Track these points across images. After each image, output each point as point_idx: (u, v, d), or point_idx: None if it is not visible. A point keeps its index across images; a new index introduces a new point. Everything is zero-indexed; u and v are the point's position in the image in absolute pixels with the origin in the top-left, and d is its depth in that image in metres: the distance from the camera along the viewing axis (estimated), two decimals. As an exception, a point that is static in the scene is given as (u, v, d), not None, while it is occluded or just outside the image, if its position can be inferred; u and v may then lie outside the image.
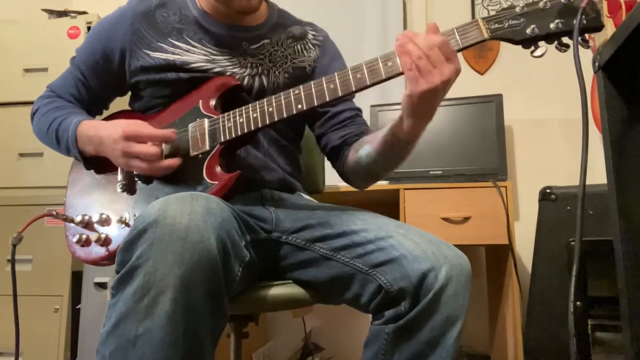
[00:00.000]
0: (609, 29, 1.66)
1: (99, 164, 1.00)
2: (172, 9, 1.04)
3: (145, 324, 0.63)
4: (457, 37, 0.78)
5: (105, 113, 1.14)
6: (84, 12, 2.03)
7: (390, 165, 0.96)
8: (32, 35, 2.01)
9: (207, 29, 1.02)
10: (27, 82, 1.97)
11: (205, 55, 1.00)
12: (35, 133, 1.08)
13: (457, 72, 0.76)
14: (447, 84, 0.75)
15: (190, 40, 1.01)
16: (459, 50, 0.78)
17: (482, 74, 2.23)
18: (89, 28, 1.97)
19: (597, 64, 0.74)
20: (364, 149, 0.96)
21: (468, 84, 2.20)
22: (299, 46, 1.08)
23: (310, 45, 1.10)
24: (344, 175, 1.06)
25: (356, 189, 1.08)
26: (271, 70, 1.03)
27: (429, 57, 0.75)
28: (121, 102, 1.14)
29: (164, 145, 0.93)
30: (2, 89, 1.98)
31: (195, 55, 0.99)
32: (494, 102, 1.88)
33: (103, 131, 0.94)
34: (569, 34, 0.75)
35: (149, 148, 0.89)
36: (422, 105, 0.79)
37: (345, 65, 1.08)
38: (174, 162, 0.90)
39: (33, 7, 2.20)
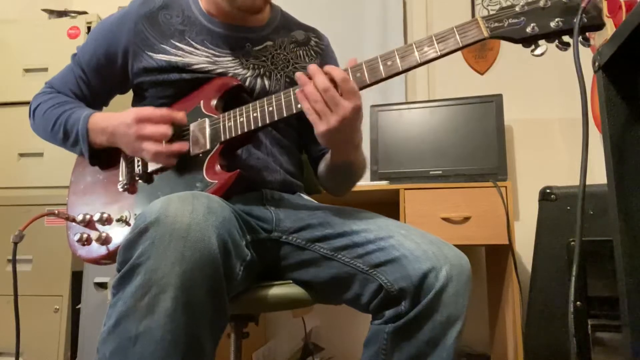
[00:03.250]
0: (609, 29, 1.66)
1: (103, 159, 1.00)
2: (175, 10, 1.04)
3: (145, 322, 0.63)
4: (457, 35, 0.78)
5: (105, 110, 1.14)
6: (84, 12, 2.03)
7: (341, 183, 1.04)
8: (32, 35, 2.01)
9: (209, 30, 1.03)
10: (27, 82, 1.97)
11: (208, 56, 1.00)
12: (35, 129, 1.08)
13: (355, 109, 0.78)
14: (344, 122, 0.78)
15: (192, 42, 1.01)
16: (458, 49, 0.79)
17: (482, 74, 2.23)
18: (89, 28, 1.98)
19: (597, 64, 0.74)
20: (321, 166, 1.05)
21: (468, 84, 2.20)
22: (301, 52, 1.08)
23: (312, 52, 1.10)
24: (320, 184, 1.13)
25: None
26: (273, 73, 1.03)
27: (324, 100, 0.78)
28: (122, 100, 1.14)
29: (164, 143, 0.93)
30: (2, 89, 1.98)
31: (197, 57, 1.00)
32: (494, 102, 1.88)
33: (115, 120, 0.94)
34: (569, 33, 0.75)
35: (160, 128, 0.90)
36: (334, 141, 0.84)
37: None
38: (183, 145, 0.91)
39: (33, 7, 2.21)
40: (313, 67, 0.80)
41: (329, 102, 0.78)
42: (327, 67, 0.79)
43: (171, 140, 0.92)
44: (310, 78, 0.79)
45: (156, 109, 0.93)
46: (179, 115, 0.93)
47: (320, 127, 0.79)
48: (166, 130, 0.91)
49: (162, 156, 0.90)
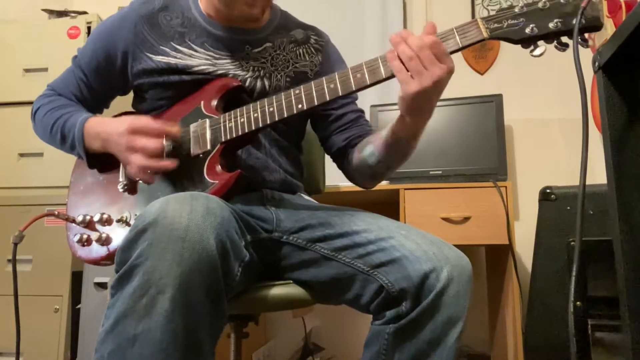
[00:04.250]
0: (609, 29, 1.66)
1: (102, 162, 1.00)
2: (175, 12, 1.04)
3: (144, 323, 0.63)
4: (457, 36, 0.78)
5: (106, 112, 1.14)
6: (84, 12, 2.03)
7: (393, 163, 0.96)
8: (32, 35, 2.01)
9: (209, 32, 1.02)
10: (27, 82, 1.97)
11: (208, 58, 1.00)
12: (36, 131, 1.08)
13: (450, 72, 0.76)
14: (438, 84, 0.76)
15: (192, 44, 1.01)
16: (458, 50, 0.79)
17: (482, 74, 2.23)
18: (89, 28, 1.97)
19: (597, 64, 0.74)
20: (367, 149, 0.97)
21: (468, 84, 2.20)
22: (301, 50, 1.08)
23: (312, 50, 1.10)
24: (350, 176, 1.07)
25: (362, 189, 1.10)
26: (273, 74, 1.03)
27: (420, 58, 0.75)
28: (123, 102, 1.14)
29: (165, 144, 0.93)
30: (2, 89, 1.98)
31: (197, 59, 1.00)
32: (494, 102, 1.88)
33: (110, 127, 0.93)
34: (568, 34, 0.76)
35: (152, 142, 0.89)
36: (417, 106, 0.80)
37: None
38: (171, 164, 0.89)
39: (33, 7, 2.21)
40: (405, 31, 0.78)
41: (425, 61, 0.75)
42: (422, 34, 0.77)
43: (162, 155, 0.90)
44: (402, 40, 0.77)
45: (151, 121, 0.91)
46: (174, 129, 0.91)
47: (412, 86, 0.75)
48: (158, 144, 0.89)
49: (146, 172, 0.89)
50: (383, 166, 0.97)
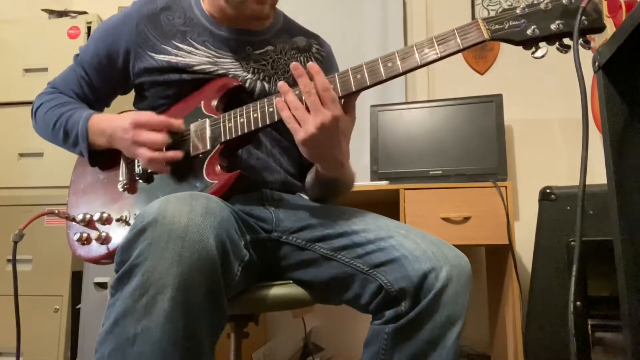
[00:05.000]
0: (609, 29, 1.66)
1: (103, 159, 1.00)
2: (177, 11, 1.04)
3: (143, 323, 0.63)
4: (458, 37, 0.78)
5: (107, 111, 1.14)
6: (84, 12, 2.03)
7: (326, 196, 1.01)
8: (32, 35, 2.01)
9: (211, 31, 1.03)
10: (27, 82, 1.97)
11: (209, 57, 1.00)
12: (37, 129, 1.09)
13: (334, 119, 0.78)
14: (323, 130, 0.77)
15: (194, 43, 1.01)
16: (458, 51, 0.79)
17: (482, 74, 2.23)
18: (89, 28, 1.98)
19: (597, 64, 0.74)
20: (308, 178, 1.01)
21: (468, 84, 2.20)
22: (302, 58, 1.08)
23: (313, 59, 1.10)
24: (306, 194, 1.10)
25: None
26: (273, 78, 1.03)
27: (306, 106, 0.78)
28: (123, 102, 1.14)
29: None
30: (2, 89, 1.98)
31: (198, 57, 1.00)
32: (494, 102, 1.88)
33: (115, 123, 0.95)
34: (570, 35, 0.75)
35: (156, 136, 0.90)
36: (314, 152, 0.82)
37: None
38: (177, 154, 0.91)
39: (33, 7, 2.21)
40: (298, 69, 0.79)
41: (310, 107, 0.78)
42: (312, 70, 0.79)
43: (168, 146, 0.92)
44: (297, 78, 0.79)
45: (154, 115, 0.93)
46: (177, 122, 0.93)
47: (299, 134, 0.79)
48: (162, 138, 0.91)
49: (156, 163, 0.91)
50: (320, 197, 1.02)
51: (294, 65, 0.80)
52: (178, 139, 0.94)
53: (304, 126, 0.78)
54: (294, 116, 0.79)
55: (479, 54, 2.24)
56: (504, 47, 2.22)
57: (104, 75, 1.06)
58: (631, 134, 0.71)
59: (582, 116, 0.67)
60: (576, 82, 0.67)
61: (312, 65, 0.80)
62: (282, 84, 0.81)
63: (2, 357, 1.70)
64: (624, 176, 0.71)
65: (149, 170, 0.95)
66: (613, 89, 0.72)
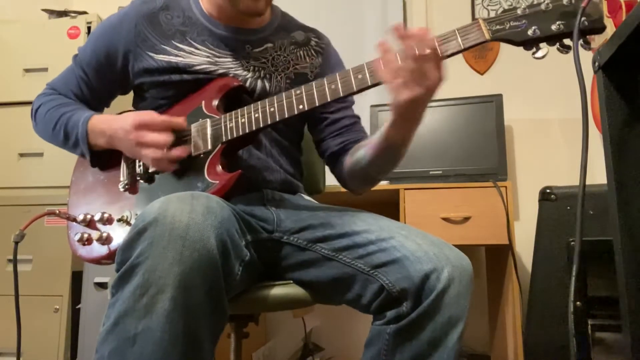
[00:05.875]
0: (609, 29, 1.66)
1: (104, 160, 1.00)
2: (176, 11, 1.04)
3: (144, 322, 0.63)
4: (459, 38, 0.78)
5: (107, 111, 1.14)
6: (84, 12, 2.03)
7: (385, 167, 0.97)
8: (32, 35, 2.01)
9: (210, 30, 1.03)
10: (27, 82, 1.97)
11: (209, 57, 1.00)
12: (37, 130, 1.08)
13: (441, 81, 0.76)
14: (429, 93, 0.76)
15: (193, 43, 1.01)
16: (460, 52, 0.79)
17: (482, 74, 2.23)
18: (89, 28, 1.98)
19: (597, 64, 0.74)
20: (360, 152, 0.97)
21: (468, 84, 2.20)
22: (301, 52, 1.08)
23: (313, 52, 1.10)
24: (342, 180, 1.08)
25: (355, 194, 1.10)
26: (273, 75, 1.03)
27: (412, 68, 0.75)
28: (123, 102, 1.14)
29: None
30: (2, 89, 1.98)
31: (198, 57, 1.00)
32: (494, 102, 1.88)
33: (115, 124, 0.94)
34: (571, 36, 0.75)
35: (160, 136, 0.90)
36: (409, 113, 0.80)
37: None
38: (183, 151, 0.90)
39: (33, 7, 2.20)
40: (401, 30, 0.75)
41: (416, 72, 0.75)
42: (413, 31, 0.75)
43: (171, 145, 0.91)
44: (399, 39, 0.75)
45: (156, 115, 0.92)
46: (179, 121, 0.93)
47: (402, 95, 0.76)
48: (166, 138, 0.90)
49: (162, 163, 0.90)
50: (374, 170, 0.97)
51: (381, 41, 0.77)
52: (180, 138, 0.94)
53: (409, 87, 0.75)
54: (396, 74, 0.76)
55: (479, 54, 2.24)
56: (504, 47, 2.22)
57: (103, 75, 1.06)
58: (631, 134, 0.71)
59: (582, 116, 0.67)
60: (576, 82, 0.67)
61: (401, 30, 0.76)
62: (382, 41, 0.77)
63: (2, 357, 1.70)
64: (624, 176, 0.71)
65: (150, 170, 0.95)
66: (613, 89, 0.72)
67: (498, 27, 0.78)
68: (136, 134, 0.90)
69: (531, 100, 2.15)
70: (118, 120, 0.94)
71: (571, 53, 0.71)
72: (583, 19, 0.72)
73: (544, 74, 2.14)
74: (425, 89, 0.75)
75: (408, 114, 0.81)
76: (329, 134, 1.08)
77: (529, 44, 0.78)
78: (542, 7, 0.76)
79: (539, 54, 0.78)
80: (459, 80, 2.23)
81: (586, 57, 0.80)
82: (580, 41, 0.72)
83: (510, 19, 0.77)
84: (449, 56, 0.78)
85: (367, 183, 1.04)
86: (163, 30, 1.01)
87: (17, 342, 1.02)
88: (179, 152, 0.90)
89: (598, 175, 1.89)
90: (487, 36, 0.78)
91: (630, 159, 0.71)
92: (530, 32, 0.76)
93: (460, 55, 2.25)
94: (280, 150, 1.05)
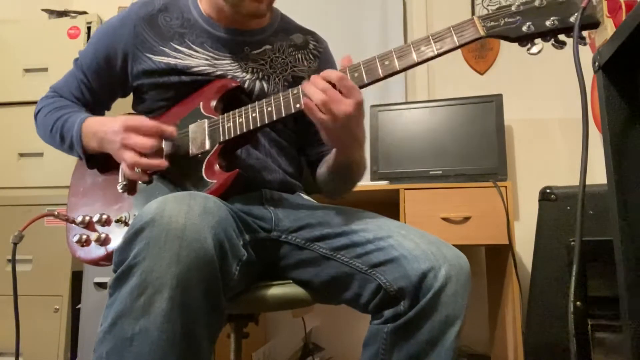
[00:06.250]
0: (609, 29, 1.66)
1: (102, 162, 1.00)
2: (175, 13, 1.04)
3: (142, 322, 0.63)
4: (454, 35, 0.79)
5: (107, 113, 1.14)
6: (84, 12, 2.03)
7: (342, 184, 1.02)
8: (32, 35, 2.01)
9: (209, 33, 1.03)
10: (27, 82, 1.97)
11: (207, 59, 1.00)
12: (38, 132, 1.09)
13: (357, 105, 0.79)
14: (348, 118, 0.79)
15: (192, 45, 1.01)
16: (454, 49, 0.79)
17: (482, 74, 2.23)
18: (89, 28, 1.98)
19: (597, 64, 0.74)
20: (322, 168, 1.04)
21: (468, 84, 2.20)
22: (299, 55, 1.08)
23: (311, 56, 1.10)
24: (317, 187, 1.11)
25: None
26: (271, 77, 1.03)
27: (328, 98, 0.79)
28: (123, 104, 1.14)
29: (164, 145, 0.93)
30: (2, 89, 1.98)
31: (197, 59, 1.00)
32: (494, 102, 1.88)
33: (106, 126, 0.94)
34: (565, 31, 0.76)
35: (145, 140, 0.89)
36: (338, 139, 0.85)
37: None
38: (162, 162, 0.90)
39: (33, 7, 2.21)
40: (313, 76, 0.82)
41: (331, 100, 0.78)
42: (324, 72, 0.81)
43: (167, 150, 0.92)
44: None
45: (146, 120, 0.92)
46: (169, 129, 0.92)
47: (326, 124, 0.80)
48: (152, 143, 0.89)
49: (137, 168, 0.90)
50: (333, 186, 1.03)
51: (302, 87, 0.83)
52: (178, 137, 0.93)
53: (330, 115, 0.79)
54: (319, 109, 0.80)
55: (478, 54, 2.24)
56: (504, 47, 2.22)
57: (103, 78, 1.06)
58: (631, 134, 0.71)
59: (582, 116, 0.67)
60: (576, 82, 0.67)
61: (312, 77, 0.82)
62: (303, 86, 0.83)
63: (2, 357, 1.70)
64: (624, 176, 0.70)
65: (123, 179, 0.94)
66: (613, 89, 0.72)
67: (493, 23, 0.78)
68: (122, 135, 0.90)
69: (531, 100, 2.15)
70: (109, 123, 0.94)
71: (570, 52, 0.71)
72: (578, 14, 0.72)
73: (544, 74, 2.14)
74: (343, 116, 0.78)
75: (338, 140, 0.85)
76: (310, 141, 1.11)
77: (524, 39, 0.78)
78: (537, 3, 0.77)
79: (534, 49, 0.79)
80: (459, 80, 2.23)
81: (586, 57, 0.80)
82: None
83: (505, 15, 0.78)
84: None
85: (333, 194, 1.09)
86: (162, 32, 1.02)
87: (15, 343, 1.02)
88: (156, 163, 0.89)
89: (598, 175, 1.89)
90: (482, 33, 0.78)
91: (630, 159, 0.71)
92: (524, 28, 0.77)
93: (460, 55, 2.25)
94: (279, 151, 1.05)
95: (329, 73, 0.80)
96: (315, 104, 0.79)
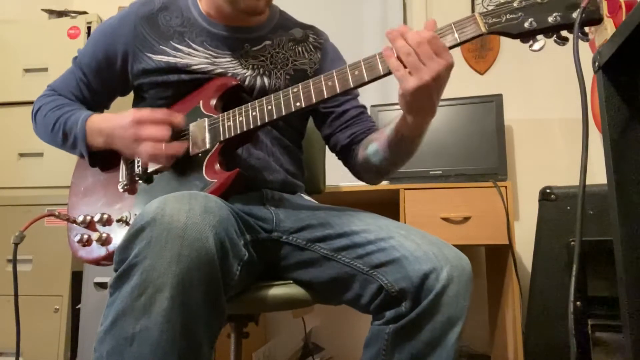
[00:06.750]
0: (609, 29, 1.66)
1: (103, 160, 1.00)
2: (175, 12, 1.04)
3: (142, 322, 0.63)
4: (455, 32, 0.78)
5: (106, 112, 1.14)
6: (84, 12, 2.03)
7: (398, 161, 0.97)
8: (32, 35, 2.01)
9: (209, 31, 1.03)
10: (27, 82, 1.97)
11: (207, 57, 1.00)
12: (37, 132, 1.09)
13: (449, 66, 0.75)
14: (437, 79, 0.75)
15: (192, 43, 1.01)
16: (456, 45, 0.78)
17: (482, 74, 2.23)
18: (89, 28, 1.98)
19: (597, 64, 0.74)
20: (372, 146, 0.97)
21: (468, 84, 2.20)
22: (300, 48, 1.08)
23: (311, 48, 1.10)
24: (355, 173, 1.08)
25: (366, 187, 1.09)
26: (272, 72, 1.03)
27: (417, 54, 0.75)
28: (123, 103, 1.14)
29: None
30: (2, 89, 1.98)
31: (197, 57, 1.00)
32: (494, 102, 1.88)
33: (113, 122, 0.94)
34: (567, 27, 0.75)
35: (159, 130, 0.90)
36: (418, 103, 0.79)
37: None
38: (180, 146, 0.90)
39: (33, 7, 2.20)
40: (402, 26, 0.77)
41: (423, 57, 0.74)
42: (414, 31, 0.76)
43: (169, 141, 0.91)
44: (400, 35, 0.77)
45: (154, 111, 0.92)
46: (177, 117, 0.93)
47: (410, 83, 0.75)
48: (164, 131, 0.90)
49: (159, 158, 0.90)
50: (388, 164, 0.97)
51: (389, 31, 0.77)
52: (178, 137, 0.94)
53: (416, 74, 0.74)
54: (406, 63, 0.75)
55: (479, 53, 2.24)
56: (504, 47, 2.22)
57: (103, 77, 1.06)
58: (631, 134, 0.71)
59: (582, 116, 0.67)
60: (576, 82, 0.67)
61: (402, 27, 0.77)
62: (390, 31, 0.77)
63: (2, 357, 1.70)
64: (624, 176, 0.70)
65: (150, 170, 0.94)
66: (613, 89, 0.72)
67: (494, 20, 0.78)
68: (134, 129, 0.90)
69: (531, 100, 2.15)
70: (116, 119, 0.94)
71: (570, 53, 0.71)
72: (579, 10, 0.71)
73: (544, 74, 2.14)
74: (432, 77, 0.74)
75: (417, 105, 0.80)
76: (336, 127, 1.08)
77: (526, 36, 0.78)
78: (539, -1, 0.76)
79: (536, 46, 0.78)
80: (459, 80, 2.22)
81: (586, 57, 0.80)
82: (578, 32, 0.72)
83: (507, 11, 0.77)
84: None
85: (381, 175, 1.05)
86: (162, 31, 1.02)
87: (16, 343, 1.02)
88: (176, 147, 0.90)
89: (598, 175, 1.89)
90: (484, 29, 0.78)
91: (630, 159, 0.71)
92: (526, 25, 0.76)
93: (460, 56, 2.24)
94: (282, 149, 1.05)
95: (419, 31, 0.75)
96: (401, 57, 0.75)
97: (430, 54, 0.74)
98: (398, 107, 0.83)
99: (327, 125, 1.09)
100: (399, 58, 0.76)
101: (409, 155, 0.94)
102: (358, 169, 1.05)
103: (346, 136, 1.06)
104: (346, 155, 1.07)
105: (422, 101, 0.78)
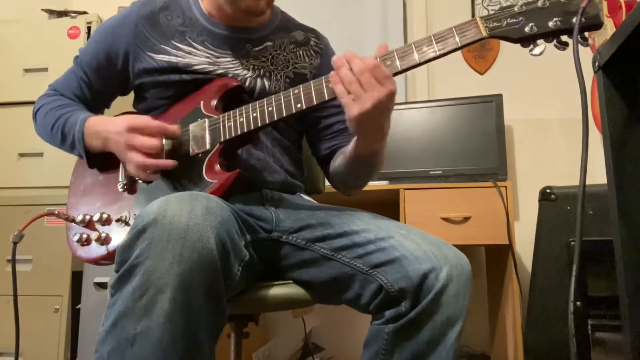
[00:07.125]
0: (609, 29, 1.66)
1: (102, 161, 1.00)
2: (176, 11, 1.04)
3: (143, 322, 0.63)
4: (456, 35, 0.78)
5: (107, 112, 1.14)
6: (84, 12, 2.03)
7: (360, 176, 1.01)
8: (32, 35, 2.01)
9: (210, 31, 1.03)
10: (27, 82, 1.97)
11: (208, 57, 1.00)
12: (37, 131, 1.09)
13: (389, 94, 0.77)
14: (378, 106, 0.77)
15: (193, 43, 1.01)
16: (457, 49, 0.79)
17: (482, 74, 2.23)
18: (89, 28, 1.97)
19: (597, 64, 0.74)
20: (338, 160, 1.02)
21: (468, 84, 2.20)
22: (301, 52, 1.08)
23: (312, 52, 1.10)
24: (331, 182, 1.11)
25: (347, 195, 1.11)
26: (273, 74, 1.03)
27: (360, 82, 0.77)
28: (124, 103, 1.14)
29: (165, 142, 0.93)
30: (2, 89, 1.98)
31: (198, 57, 1.00)
32: (494, 102, 1.88)
33: (110, 125, 0.94)
34: (568, 32, 0.76)
35: (150, 140, 0.90)
36: (363, 127, 0.82)
37: None
38: (170, 162, 0.90)
39: (33, 7, 2.21)
40: (349, 53, 0.80)
41: (365, 85, 0.77)
42: (359, 57, 0.79)
43: (159, 154, 0.91)
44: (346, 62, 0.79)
45: (150, 120, 0.92)
46: (173, 128, 0.92)
47: (353, 110, 0.77)
48: (157, 143, 0.90)
49: (145, 169, 0.90)
50: (352, 178, 1.01)
51: (335, 58, 0.80)
52: (178, 137, 0.94)
53: (358, 101, 0.77)
54: (349, 90, 0.78)
55: (478, 54, 2.24)
56: (504, 47, 2.22)
57: (104, 76, 1.06)
58: (631, 134, 0.71)
59: (582, 116, 0.67)
60: (576, 82, 0.67)
61: (348, 54, 0.80)
62: (336, 58, 0.80)
63: (2, 357, 1.70)
64: (624, 176, 0.70)
65: (137, 178, 0.94)
66: (613, 89, 0.72)
67: (495, 24, 0.78)
68: (127, 136, 0.90)
69: (531, 100, 2.15)
70: (113, 123, 0.94)
71: (570, 53, 0.71)
72: (578, 15, 0.71)
73: (544, 74, 2.14)
74: (373, 105, 0.77)
75: (363, 129, 0.83)
76: (320, 137, 1.10)
77: (526, 40, 0.78)
78: (539, 4, 0.76)
79: (536, 50, 0.78)
80: (459, 80, 2.23)
81: (586, 57, 0.80)
82: (578, 37, 0.72)
83: (508, 16, 0.78)
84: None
85: (349, 188, 1.07)
86: (163, 30, 1.02)
87: (15, 343, 1.02)
88: (163, 163, 0.90)
89: (598, 175, 1.89)
90: (484, 33, 0.78)
91: (630, 159, 0.71)
92: (527, 29, 0.76)
93: (460, 56, 2.25)
94: (282, 150, 1.05)
95: (363, 58, 0.78)
96: (345, 85, 0.78)
97: (372, 82, 0.77)
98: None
99: (313, 133, 1.11)
100: (343, 85, 0.79)
101: (371, 171, 0.98)
102: (332, 179, 1.09)
103: (326, 147, 1.09)
104: (323, 165, 1.12)
105: (367, 125, 0.81)
